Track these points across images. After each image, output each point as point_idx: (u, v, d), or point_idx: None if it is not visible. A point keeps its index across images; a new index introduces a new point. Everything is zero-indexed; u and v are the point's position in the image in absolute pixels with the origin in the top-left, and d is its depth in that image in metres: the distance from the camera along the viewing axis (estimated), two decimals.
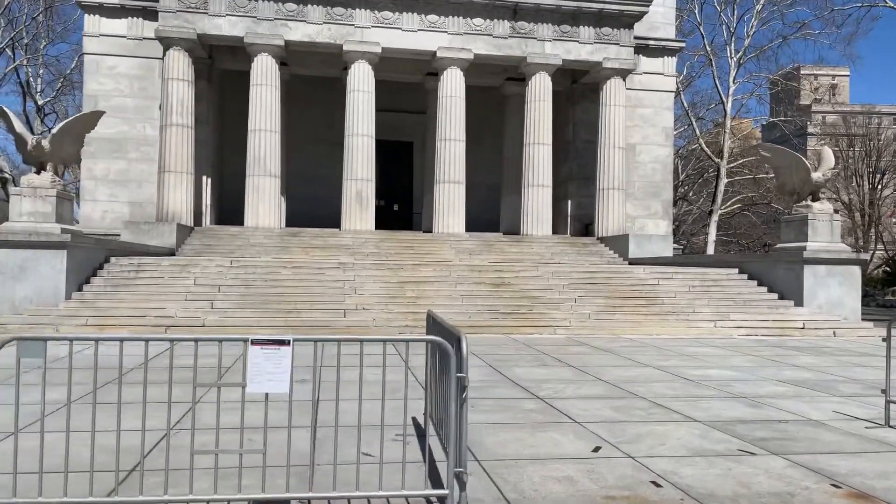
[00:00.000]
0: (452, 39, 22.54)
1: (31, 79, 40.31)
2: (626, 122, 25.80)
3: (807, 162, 14.50)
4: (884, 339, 5.71)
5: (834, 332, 13.17)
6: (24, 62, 39.69)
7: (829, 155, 14.63)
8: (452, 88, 23.08)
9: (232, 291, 12.75)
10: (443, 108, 23.06)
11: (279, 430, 4.21)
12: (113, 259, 13.69)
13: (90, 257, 13.04)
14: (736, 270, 16.11)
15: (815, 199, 14.56)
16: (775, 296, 14.84)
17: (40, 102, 40.59)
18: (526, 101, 23.92)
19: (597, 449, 4.65)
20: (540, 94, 23.73)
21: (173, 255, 18.96)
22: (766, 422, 5.65)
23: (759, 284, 15.47)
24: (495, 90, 27.09)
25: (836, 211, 15.16)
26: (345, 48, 21.85)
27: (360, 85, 22.48)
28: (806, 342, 12.07)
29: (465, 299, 13.45)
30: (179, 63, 21.53)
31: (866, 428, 5.51)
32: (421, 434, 4.85)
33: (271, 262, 14.62)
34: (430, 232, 23.12)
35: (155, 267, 13.67)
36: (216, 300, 12.29)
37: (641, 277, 15.45)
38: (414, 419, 5.37)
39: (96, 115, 13.83)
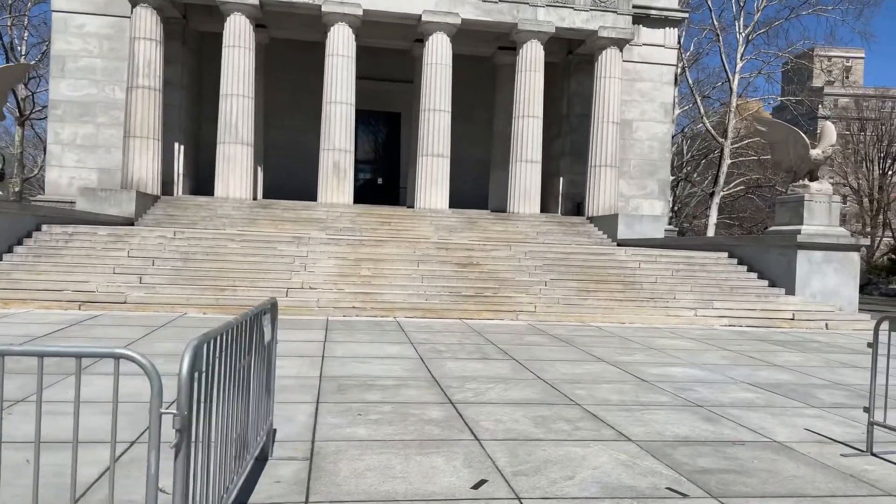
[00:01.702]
0: (438, 3, 21.21)
1: (14, 41, 39.01)
2: (622, 96, 24.50)
3: (805, 137, 13.25)
4: (870, 345, 4.59)
5: (826, 325, 12.03)
6: (9, 24, 38.37)
7: (830, 130, 13.36)
8: (438, 55, 21.77)
9: (167, 265, 11.67)
10: (428, 75, 21.78)
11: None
12: (45, 227, 12.62)
13: (14, 225, 11.97)
14: (726, 254, 14.93)
15: (814, 178, 13.32)
16: (766, 283, 13.69)
17: None
18: (516, 71, 22.63)
19: (479, 484, 3.56)
20: (531, 64, 22.42)
21: (132, 224, 18.00)
22: (718, 444, 4.55)
23: (750, 270, 14.30)
24: (487, 61, 25.79)
25: (843, 196, 13.88)
26: (324, 9, 20.58)
27: (340, 49, 21.21)
28: (793, 335, 10.94)
29: (426, 280, 12.34)
30: (147, 21, 20.32)
31: (843, 455, 4.40)
32: (262, 458, 3.76)
33: (219, 234, 13.52)
34: (414, 207, 22.01)
35: (89, 237, 12.59)
36: (147, 274, 11.21)
37: (622, 260, 14.29)
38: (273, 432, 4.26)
39: (22, 69, 12.73)
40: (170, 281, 11.08)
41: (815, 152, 13.03)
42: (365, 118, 28.67)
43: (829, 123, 13.60)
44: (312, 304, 10.74)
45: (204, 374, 2.17)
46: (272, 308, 3.58)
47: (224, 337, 2.43)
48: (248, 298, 10.70)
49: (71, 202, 20.13)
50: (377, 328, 9.35)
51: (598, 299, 12.14)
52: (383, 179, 29.01)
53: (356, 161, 28.64)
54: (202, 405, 2.18)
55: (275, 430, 4.30)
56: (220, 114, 20.99)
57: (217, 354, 2.36)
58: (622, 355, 8.09)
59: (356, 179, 28.55)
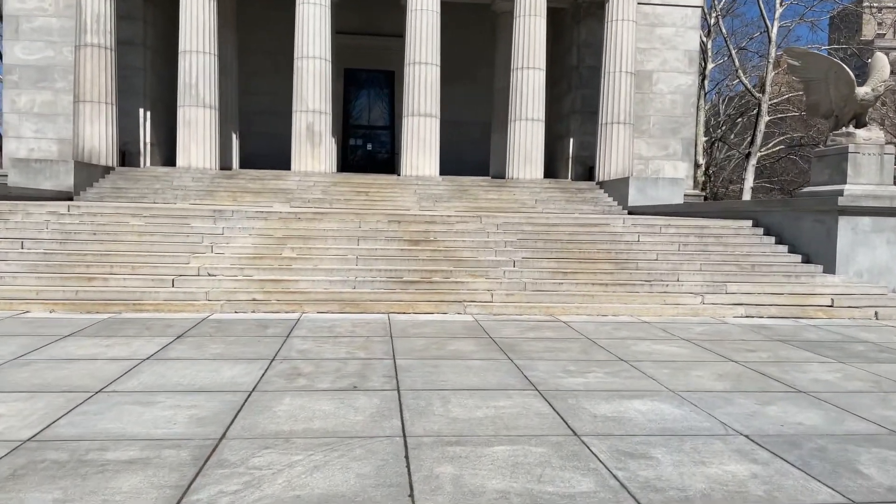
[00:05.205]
0: None
1: None
2: (639, 43, 21.58)
3: (850, 73, 10.35)
4: None
5: (876, 314, 9.28)
6: None
7: (882, 62, 10.40)
8: (425, 0, 19.15)
9: (38, 248, 9.48)
10: (413, 24, 19.17)
11: None
12: None
13: None
14: (750, 223, 12.16)
15: (861, 124, 10.45)
16: (798, 258, 10.92)
17: None
18: (514, 17, 19.85)
19: None
20: (532, 7, 19.63)
21: (70, 199, 16.03)
22: None
23: (779, 242, 11.53)
24: (488, 10, 22.95)
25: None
26: None
27: None
28: (831, 330, 8.25)
29: (363, 261, 9.93)
30: None
31: None
32: None
33: (121, 208, 11.26)
34: (400, 175, 19.59)
35: None
36: (5, 260, 9.01)
37: (618, 232, 11.63)
38: None
39: None
40: (30, 268, 8.87)
41: (864, 90, 10.14)
42: (358, 78, 26.23)
43: (880, 54, 10.63)
44: (200, 296, 8.43)
45: None
46: None
47: None
48: (119, 290, 8.43)
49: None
50: (255, 332, 7.00)
51: (578, 283, 9.56)
52: (376, 145, 26.56)
53: (349, 126, 26.38)
54: None
55: None
56: (178, 73, 18.83)
57: None
58: (571, 375, 5.59)
59: (347, 146, 26.28)
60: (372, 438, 3.95)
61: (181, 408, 4.40)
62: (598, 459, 3.73)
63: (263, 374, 5.30)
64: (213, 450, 3.69)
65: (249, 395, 4.73)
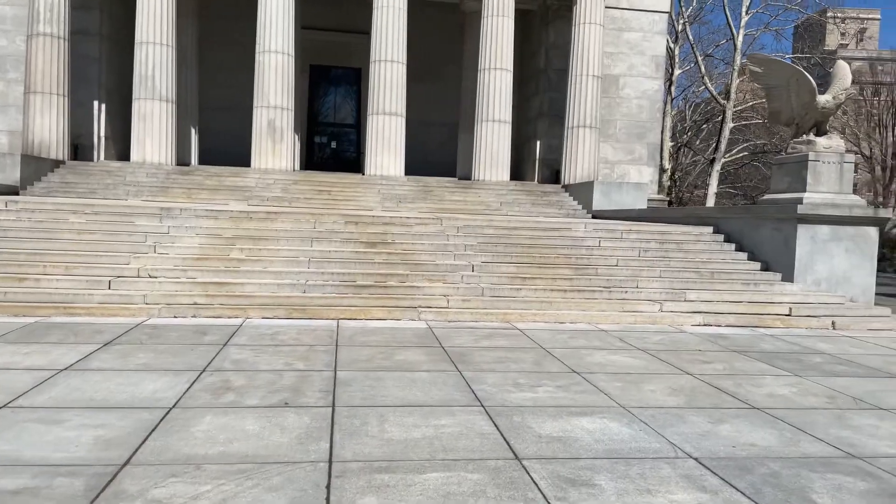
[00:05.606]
0: None
1: None
2: (607, 48, 21.53)
3: (812, 81, 10.30)
4: None
5: (833, 323, 9.21)
6: None
7: (844, 71, 10.37)
8: None
9: None
10: (379, 21, 18.79)
11: None
12: None
13: None
14: (710, 229, 12.08)
15: (821, 132, 10.40)
16: (757, 266, 10.84)
17: None
18: (482, 17, 19.61)
19: None
20: (499, 8, 19.39)
21: (17, 193, 15.40)
22: None
23: (739, 249, 11.45)
24: (456, 9, 22.69)
25: (855, 165, 10.92)
26: None
27: None
28: (788, 340, 8.13)
29: (315, 264, 9.56)
30: None
31: None
32: None
33: (63, 204, 10.73)
34: (364, 174, 19.22)
35: None
36: None
37: (578, 236, 11.44)
38: None
39: None
40: None
41: (825, 98, 10.08)
42: (325, 74, 25.78)
43: (842, 63, 10.60)
44: (138, 299, 7.99)
45: None
46: None
47: None
48: (50, 292, 7.95)
49: None
50: (191, 340, 6.60)
51: (536, 289, 9.32)
52: (342, 144, 26.11)
53: (315, 123, 25.90)
54: None
55: None
56: (134, 65, 18.20)
57: None
58: (521, 389, 5.33)
59: (313, 144, 25.80)
60: (294, 464, 3.63)
61: (88, 427, 4.02)
62: (538, 487, 3.46)
63: (189, 389, 4.93)
64: (113, 478, 3.33)
65: (168, 413, 4.36)
